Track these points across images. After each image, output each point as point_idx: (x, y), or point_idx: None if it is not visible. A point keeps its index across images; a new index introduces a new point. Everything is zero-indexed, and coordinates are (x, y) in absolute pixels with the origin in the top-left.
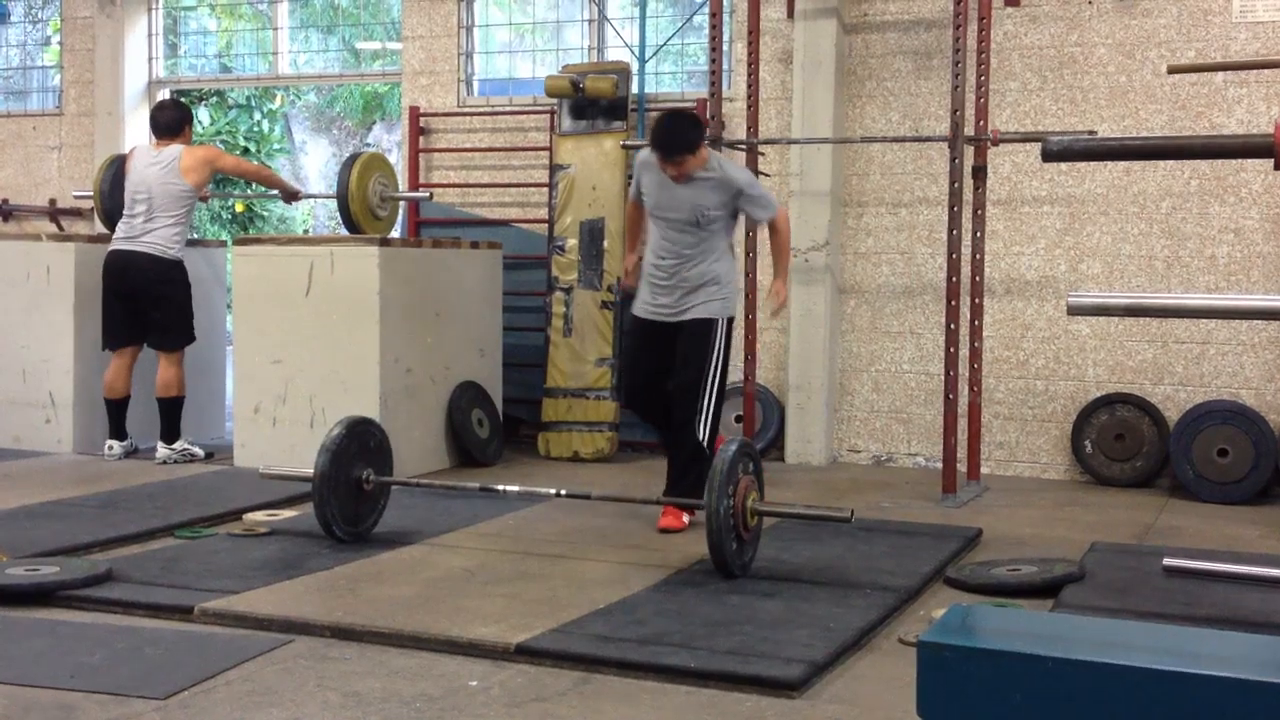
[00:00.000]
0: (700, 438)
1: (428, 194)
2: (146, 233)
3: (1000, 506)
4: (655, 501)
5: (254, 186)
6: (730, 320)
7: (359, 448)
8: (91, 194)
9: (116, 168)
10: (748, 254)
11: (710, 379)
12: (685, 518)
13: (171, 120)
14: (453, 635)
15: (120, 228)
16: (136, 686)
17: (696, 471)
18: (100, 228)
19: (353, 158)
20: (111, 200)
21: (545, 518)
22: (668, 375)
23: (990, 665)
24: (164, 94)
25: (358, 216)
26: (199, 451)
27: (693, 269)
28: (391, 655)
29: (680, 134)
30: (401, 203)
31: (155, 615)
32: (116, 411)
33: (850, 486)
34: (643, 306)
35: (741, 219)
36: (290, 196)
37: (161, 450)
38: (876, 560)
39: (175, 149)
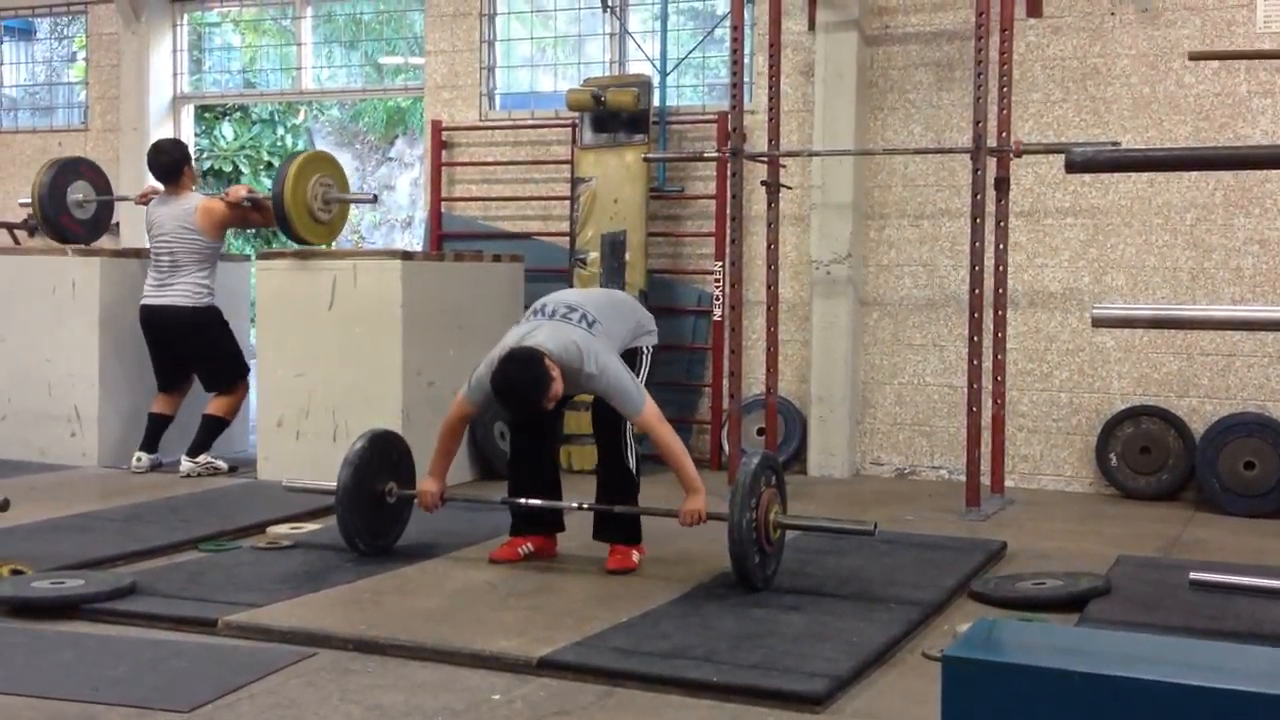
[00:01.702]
0: (629, 465)
1: (372, 196)
2: (174, 284)
3: (1024, 519)
4: (676, 513)
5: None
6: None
7: (381, 461)
8: (30, 201)
9: (56, 171)
10: (768, 265)
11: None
12: (635, 555)
13: (169, 164)
14: (476, 648)
15: (149, 278)
16: (161, 699)
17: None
18: (121, 242)
19: (292, 156)
20: (51, 205)
21: (567, 530)
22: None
23: (1015, 680)
24: (188, 109)
25: (293, 219)
26: (222, 465)
27: None
28: (414, 668)
29: (526, 393)
30: (353, 205)
31: (179, 628)
32: (155, 426)
33: (873, 499)
34: None
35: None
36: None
37: (185, 463)
38: (900, 574)
39: (191, 202)
